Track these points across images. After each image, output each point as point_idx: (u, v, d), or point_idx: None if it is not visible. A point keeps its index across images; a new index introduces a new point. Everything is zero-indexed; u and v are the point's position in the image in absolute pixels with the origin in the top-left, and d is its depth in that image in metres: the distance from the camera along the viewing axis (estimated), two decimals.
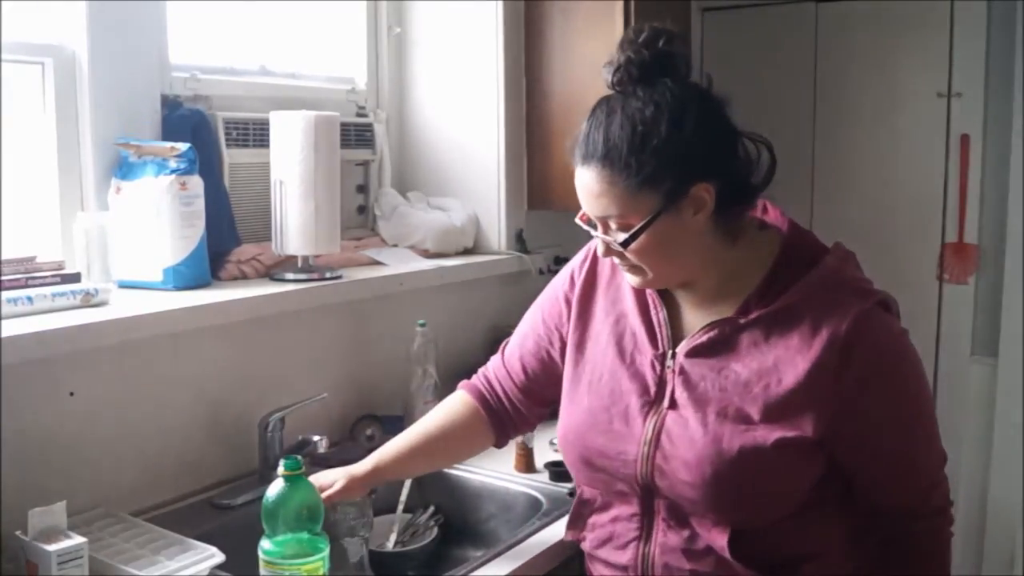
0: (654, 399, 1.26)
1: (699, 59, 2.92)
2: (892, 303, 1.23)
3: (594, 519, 1.36)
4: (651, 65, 1.19)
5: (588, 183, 1.20)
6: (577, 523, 1.39)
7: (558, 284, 1.45)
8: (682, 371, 1.24)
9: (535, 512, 1.64)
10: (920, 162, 2.68)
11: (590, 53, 2.26)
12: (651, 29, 1.20)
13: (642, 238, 1.19)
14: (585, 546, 1.37)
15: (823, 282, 1.21)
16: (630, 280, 1.28)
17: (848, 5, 2.76)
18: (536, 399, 1.48)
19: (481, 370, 1.55)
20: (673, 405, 1.24)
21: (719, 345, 1.23)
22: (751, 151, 1.23)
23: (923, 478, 1.26)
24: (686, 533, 1.24)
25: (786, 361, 1.18)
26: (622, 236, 1.20)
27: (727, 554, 1.20)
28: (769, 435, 1.17)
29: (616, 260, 1.26)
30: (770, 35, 2.89)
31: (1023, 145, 2.50)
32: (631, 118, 1.17)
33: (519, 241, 2.38)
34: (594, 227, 1.25)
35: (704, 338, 1.24)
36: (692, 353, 1.25)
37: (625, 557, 1.29)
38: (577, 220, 1.28)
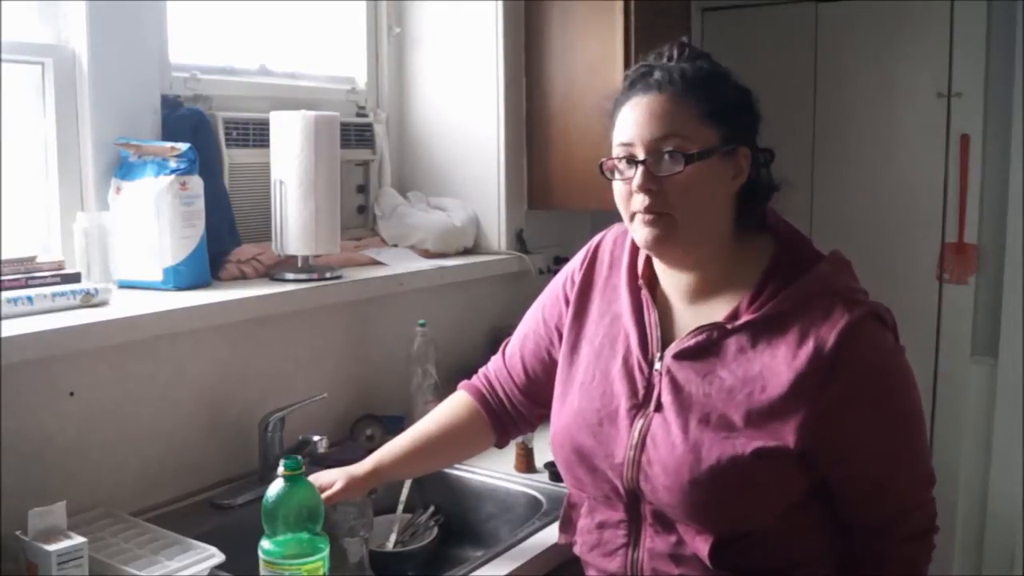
0: (642, 402, 1.25)
1: None
2: (887, 315, 1.20)
3: (581, 523, 1.35)
4: (705, 52, 1.26)
5: (653, 106, 1.20)
6: (567, 527, 1.39)
7: (558, 283, 1.45)
8: (669, 374, 1.23)
9: (535, 512, 1.64)
10: (920, 162, 2.68)
11: (590, 53, 2.26)
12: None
13: (699, 165, 1.17)
14: (576, 550, 1.37)
15: (814, 290, 1.19)
16: (648, 235, 1.21)
17: (848, 5, 2.76)
18: (537, 399, 1.47)
19: (481, 370, 1.55)
20: (659, 408, 1.23)
21: (706, 350, 1.22)
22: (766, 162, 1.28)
23: (904, 499, 1.23)
24: (673, 538, 1.23)
25: (771, 370, 1.16)
26: (672, 166, 1.17)
27: (710, 563, 1.19)
28: (749, 444, 1.15)
29: (645, 203, 1.19)
30: (770, 35, 2.89)
31: (1023, 145, 2.50)
32: (703, 69, 1.22)
33: (519, 241, 2.38)
34: (640, 162, 1.19)
35: (692, 342, 1.23)
36: (679, 356, 1.23)
37: (614, 564, 1.29)
38: (603, 160, 1.24)
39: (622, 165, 1.22)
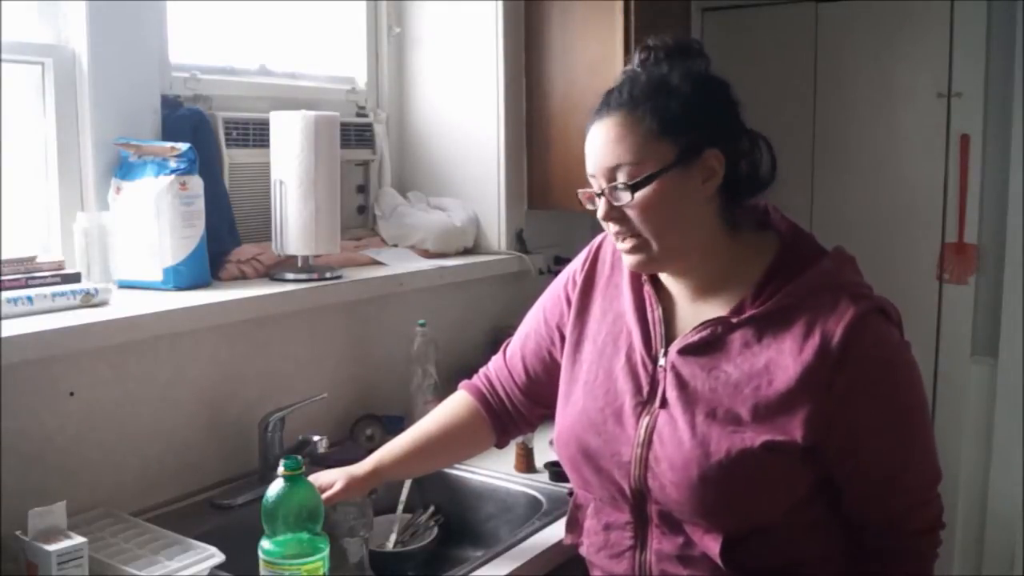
0: (647, 399, 1.25)
1: None
2: (892, 310, 1.20)
3: (588, 524, 1.35)
4: (675, 49, 1.24)
5: (605, 131, 1.20)
6: (573, 527, 1.39)
7: (560, 283, 1.45)
8: (673, 369, 1.23)
9: (535, 512, 1.64)
10: (920, 162, 2.68)
11: (590, 53, 2.26)
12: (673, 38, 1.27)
13: (650, 189, 1.17)
14: (583, 551, 1.37)
15: (819, 284, 1.19)
16: (630, 262, 1.25)
17: (848, 5, 2.76)
18: (537, 399, 1.47)
19: (482, 370, 1.55)
20: (664, 404, 1.23)
21: (711, 345, 1.21)
22: (756, 150, 1.25)
23: (910, 495, 1.22)
24: (680, 539, 1.23)
25: (777, 364, 1.16)
26: (623, 196, 1.18)
27: (721, 562, 1.19)
28: (757, 438, 1.15)
29: (615, 230, 1.22)
30: (770, 35, 2.89)
31: (1023, 145, 2.50)
32: (657, 77, 1.21)
33: (519, 241, 2.38)
34: (599, 194, 1.22)
35: (696, 337, 1.23)
36: (684, 351, 1.23)
37: (621, 567, 1.28)
38: (580, 192, 1.26)
39: (592, 191, 1.25)
